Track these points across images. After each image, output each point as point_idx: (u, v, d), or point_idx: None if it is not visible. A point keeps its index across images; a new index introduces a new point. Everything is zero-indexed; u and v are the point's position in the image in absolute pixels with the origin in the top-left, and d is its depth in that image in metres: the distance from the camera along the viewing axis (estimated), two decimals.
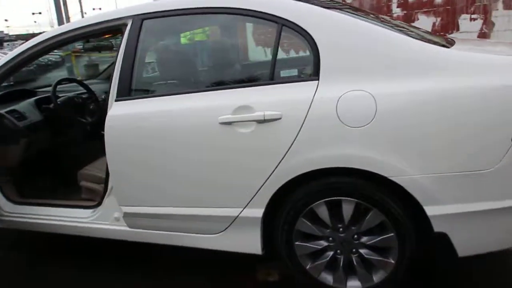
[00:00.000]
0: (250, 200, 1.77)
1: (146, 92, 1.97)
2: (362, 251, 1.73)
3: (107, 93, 3.19)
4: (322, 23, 1.66)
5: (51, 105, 2.62)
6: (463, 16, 6.16)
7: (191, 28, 2.37)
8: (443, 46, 1.64)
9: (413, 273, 1.79)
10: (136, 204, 2.00)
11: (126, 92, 1.92)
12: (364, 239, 1.71)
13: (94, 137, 2.96)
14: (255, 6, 1.73)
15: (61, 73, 9.57)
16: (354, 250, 1.74)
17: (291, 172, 1.67)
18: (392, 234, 1.65)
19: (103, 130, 2.92)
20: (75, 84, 3.17)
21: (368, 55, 1.59)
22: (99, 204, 2.22)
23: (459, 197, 1.54)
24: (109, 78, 3.51)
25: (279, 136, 1.65)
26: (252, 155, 1.71)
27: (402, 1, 6.85)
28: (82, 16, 22.73)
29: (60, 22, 11.95)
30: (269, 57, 1.76)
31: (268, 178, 1.70)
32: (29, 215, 2.39)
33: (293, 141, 1.63)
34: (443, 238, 1.60)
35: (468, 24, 6.15)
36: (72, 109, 2.64)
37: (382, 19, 1.94)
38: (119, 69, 1.93)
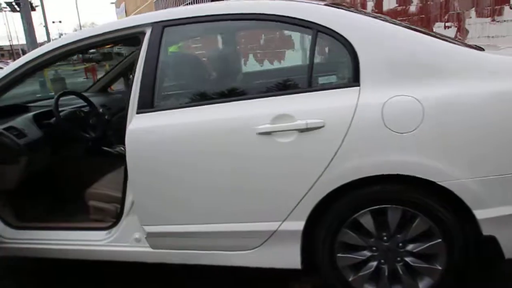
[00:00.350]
0: (290, 213, 1.70)
1: (171, 103, 1.87)
2: (407, 259, 1.69)
3: (105, 106, 3.06)
4: (360, 28, 1.64)
5: (52, 120, 2.45)
6: (437, 24, 6.39)
7: (218, 36, 2.28)
8: (480, 50, 1.66)
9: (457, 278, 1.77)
10: (162, 223, 1.87)
11: (149, 103, 1.81)
12: (410, 246, 1.68)
13: (97, 153, 2.80)
14: (288, 12, 1.68)
15: (34, 88, 9.11)
16: (399, 258, 1.70)
17: (334, 182, 1.62)
18: (439, 240, 1.63)
19: (106, 146, 2.80)
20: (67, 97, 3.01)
21: (410, 59, 1.57)
22: (115, 224, 2.07)
23: (508, 199, 1.54)
24: (101, 91, 3.40)
25: (322, 145, 1.60)
26: (293, 166, 1.64)
27: (376, 10, 7.03)
28: (46, 28, 21.85)
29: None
30: (305, 63, 1.71)
31: (310, 189, 1.64)
32: (33, 240, 2.20)
33: (337, 150, 1.58)
34: (491, 241, 1.59)
35: (443, 32, 6.40)
36: (74, 124, 2.47)
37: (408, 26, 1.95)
38: (140, 79, 1.82)
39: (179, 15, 1.82)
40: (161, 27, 1.83)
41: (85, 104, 2.80)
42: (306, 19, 1.66)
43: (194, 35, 2.00)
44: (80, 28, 43.85)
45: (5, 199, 2.35)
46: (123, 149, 2.89)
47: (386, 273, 1.72)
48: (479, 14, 6.01)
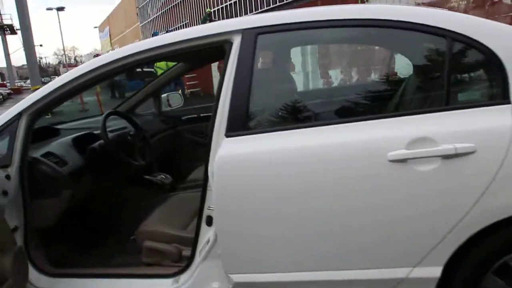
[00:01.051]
0: (425, 256, 1.39)
1: (270, 125, 1.56)
2: None
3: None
4: (504, 37, 1.40)
5: (96, 145, 2.10)
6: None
7: (323, 43, 1.98)
8: None
9: None
10: (257, 270, 1.53)
11: (241, 125, 1.50)
12: None
13: (137, 182, 2.45)
14: (419, 19, 1.43)
15: None
16: None
17: (485, 219, 1.33)
18: None
19: (146, 173, 2.44)
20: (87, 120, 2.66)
21: None
22: (184, 270, 1.72)
23: None
24: (129, 112, 3.06)
25: (473, 174, 1.32)
26: (433, 200, 1.35)
27: None
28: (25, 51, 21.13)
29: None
30: (438, 76, 1.45)
31: (454, 227, 1.35)
32: None
33: (492, 180, 1.30)
34: None
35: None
36: (123, 149, 2.13)
37: None
38: (229, 97, 1.52)
39: (278, 20, 1.54)
40: (254, 34, 1.55)
41: (120, 127, 2.47)
42: (440, 26, 1.41)
43: (296, 43, 1.71)
44: (64, 52, 43.21)
45: (37, 239, 1.96)
46: (165, 177, 2.57)
47: None
48: None
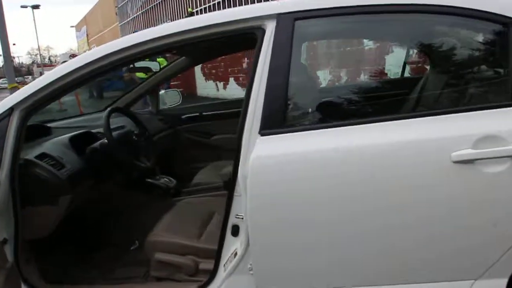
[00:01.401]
0: (489, 268, 1.24)
1: (314, 121, 1.38)
2: None
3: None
4: None
5: (98, 145, 1.86)
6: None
7: (375, 33, 1.76)
8: None
9: None
10: (294, 285, 1.34)
11: (278, 121, 1.31)
12: None
13: (138, 186, 2.22)
14: (477, 5, 1.27)
15: None
16: None
17: None
18: None
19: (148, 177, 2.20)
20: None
21: None
22: (205, 286, 1.51)
23: None
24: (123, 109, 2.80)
25: None
26: (501, 205, 1.20)
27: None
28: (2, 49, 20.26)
29: None
30: (501, 68, 1.30)
31: None
32: None
33: None
34: None
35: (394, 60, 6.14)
36: (125, 150, 1.90)
37: None
38: (264, 90, 1.32)
39: (320, 4, 1.36)
40: (291, 20, 1.36)
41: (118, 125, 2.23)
42: (505, 14, 1.25)
43: (342, 32, 1.52)
44: (39, 51, 41.63)
45: (29, 252, 1.71)
46: (168, 180, 2.34)
47: None
48: None
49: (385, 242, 1.26)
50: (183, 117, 2.96)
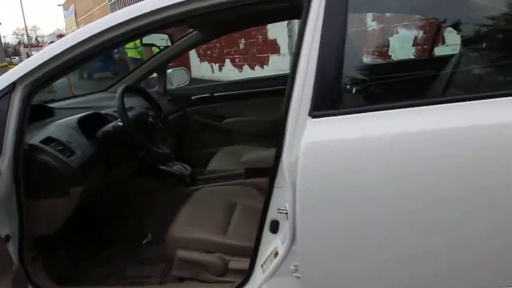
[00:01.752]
0: None
1: (377, 101, 1.17)
2: None
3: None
4: None
5: (110, 127, 1.65)
6: (449, 29, 6.10)
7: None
8: None
9: None
10: None
11: (334, 102, 1.11)
12: None
13: (150, 174, 2.02)
14: None
15: None
16: None
17: None
18: None
19: (164, 164, 1.99)
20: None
21: None
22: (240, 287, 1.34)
23: None
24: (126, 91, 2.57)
25: None
26: None
27: (378, 15, 6.65)
28: None
29: None
30: None
31: None
32: None
33: None
34: None
35: (456, 36, 6.07)
36: (142, 133, 1.69)
37: None
38: (314, 66, 1.12)
39: None
40: None
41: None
42: None
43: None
44: (26, 31, 40.30)
45: (35, 250, 1.51)
46: (183, 167, 2.14)
47: None
48: None
49: (464, 244, 1.08)
50: (193, 97, 2.74)
